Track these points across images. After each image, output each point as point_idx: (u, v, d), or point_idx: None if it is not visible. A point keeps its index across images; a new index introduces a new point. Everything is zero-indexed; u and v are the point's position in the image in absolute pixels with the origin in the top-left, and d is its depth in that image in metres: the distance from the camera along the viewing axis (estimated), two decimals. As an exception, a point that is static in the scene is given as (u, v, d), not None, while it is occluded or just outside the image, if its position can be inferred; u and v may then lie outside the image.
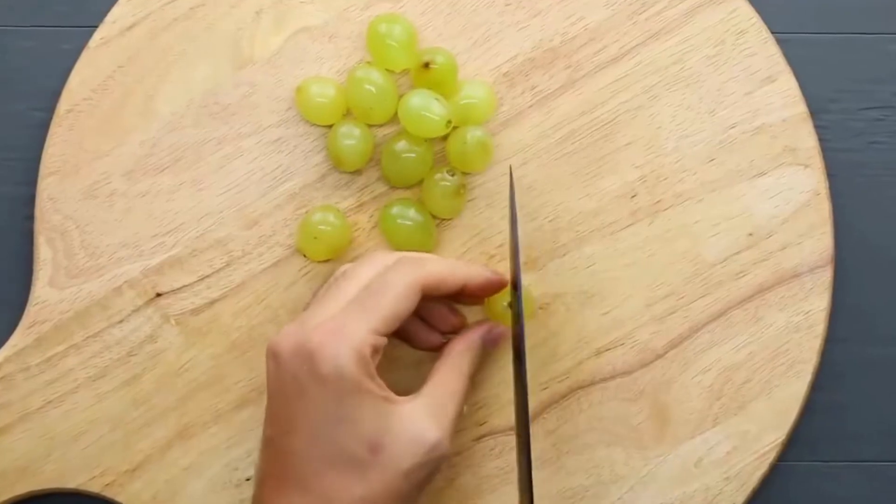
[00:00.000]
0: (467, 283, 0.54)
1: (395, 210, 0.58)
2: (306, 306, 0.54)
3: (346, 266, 0.54)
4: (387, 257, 0.53)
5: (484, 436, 0.58)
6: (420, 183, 0.59)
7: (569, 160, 0.59)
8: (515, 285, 0.54)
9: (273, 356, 0.51)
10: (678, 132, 0.59)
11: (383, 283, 0.51)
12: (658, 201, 0.59)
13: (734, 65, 0.59)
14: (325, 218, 0.58)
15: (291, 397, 0.50)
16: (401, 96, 0.58)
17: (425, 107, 0.56)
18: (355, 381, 0.49)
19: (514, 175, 0.56)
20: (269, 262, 0.59)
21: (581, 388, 0.58)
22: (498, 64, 0.59)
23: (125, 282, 0.59)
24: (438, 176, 0.58)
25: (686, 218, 0.58)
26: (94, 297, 0.58)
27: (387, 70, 0.59)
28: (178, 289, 0.59)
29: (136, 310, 0.58)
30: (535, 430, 0.57)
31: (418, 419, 0.50)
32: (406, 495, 0.50)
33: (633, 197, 0.59)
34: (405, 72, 0.59)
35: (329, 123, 0.59)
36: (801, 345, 0.58)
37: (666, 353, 0.58)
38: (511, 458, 0.58)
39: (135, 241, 0.59)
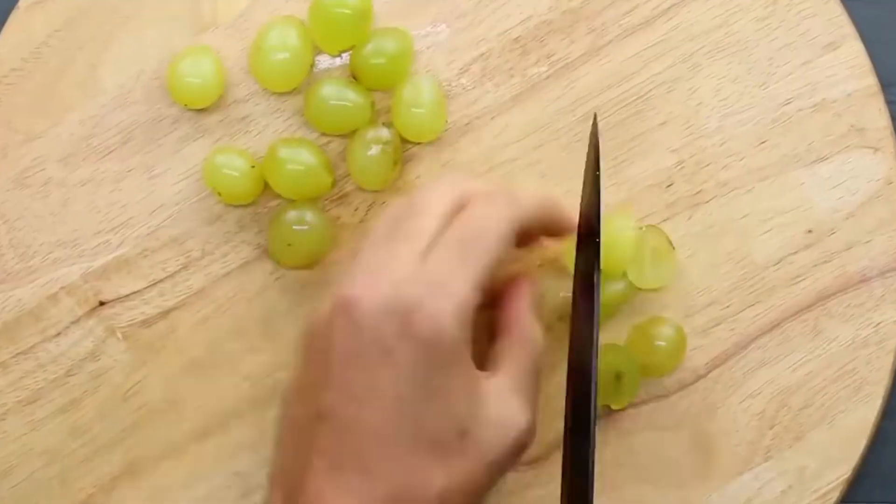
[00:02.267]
0: (559, 222, 0.51)
1: (289, 215, 0.55)
2: (353, 250, 0.50)
3: (406, 198, 0.50)
4: (464, 185, 0.49)
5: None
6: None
7: (592, 142, 0.57)
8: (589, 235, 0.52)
9: (347, 310, 0.46)
10: (722, 109, 0.56)
11: (481, 223, 0.47)
12: (699, 192, 0.56)
13: (790, 29, 0.56)
14: (302, 217, 0.55)
15: (372, 362, 0.46)
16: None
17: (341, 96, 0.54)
18: (456, 347, 0.46)
19: (597, 124, 0.52)
20: (235, 265, 0.56)
21: (607, 414, 0.55)
22: (508, 27, 0.56)
23: (62, 287, 0.56)
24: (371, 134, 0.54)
25: (732, 211, 0.56)
26: (25, 306, 0.56)
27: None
28: (126, 296, 0.56)
29: (76, 321, 0.56)
30: (552, 467, 0.55)
31: (507, 398, 0.47)
32: (484, 488, 0.47)
33: (668, 186, 0.56)
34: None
35: (290, 88, 0.56)
36: (870, 363, 0.55)
37: (709, 373, 0.55)
38: (526, 495, 0.55)
39: (74, 240, 0.57)
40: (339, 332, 0.46)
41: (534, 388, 0.49)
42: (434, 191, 0.49)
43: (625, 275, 0.54)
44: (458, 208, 0.48)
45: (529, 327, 0.50)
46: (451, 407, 0.46)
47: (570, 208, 0.51)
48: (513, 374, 0.48)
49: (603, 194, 0.53)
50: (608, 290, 0.54)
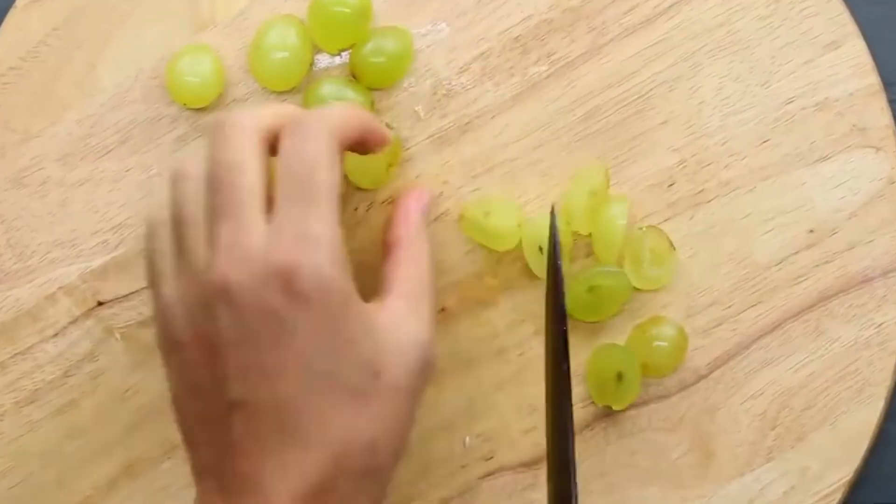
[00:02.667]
0: (365, 128, 0.49)
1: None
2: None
3: (189, 160, 0.47)
4: (262, 119, 0.46)
5: (492, 473, 0.55)
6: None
7: (593, 142, 0.56)
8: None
9: (223, 297, 0.44)
10: (724, 108, 0.55)
11: (305, 156, 0.45)
12: (700, 191, 0.55)
13: (792, 27, 0.55)
14: None
15: (268, 339, 0.44)
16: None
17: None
18: (345, 293, 0.44)
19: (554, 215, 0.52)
20: (234, 265, 0.56)
21: (607, 415, 0.55)
22: (508, 26, 0.56)
23: (60, 288, 0.56)
24: None
25: (734, 211, 0.55)
26: (23, 307, 0.56)
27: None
28: (124, 296, 0.56)
29: (74, 321, 0.56)
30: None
31: (403, 322, 0.47)
32: (408, 421, 0.47)
33: (670, 186, 0.55)
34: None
35: (289, 87, 0.55)
36: (872, 364, 0.55)
37: (710, 373, 0.55)
38: (526, 497, 0.54)
39: (72, 239, 0.56)
40: (222, 320, 0.44)
41: (427, 300, 0.48)
42: (235, 140, 0.46)
43: (621, 269, 0.53)
44: (269, 147, 0.46)
45: (416, 241, 0.50)
46: (358, 352, 0.45)
47: (370, 117, 0.50)
48: (405, 294, 0.48)
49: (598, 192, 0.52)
50: (606, 282, 0.53)
